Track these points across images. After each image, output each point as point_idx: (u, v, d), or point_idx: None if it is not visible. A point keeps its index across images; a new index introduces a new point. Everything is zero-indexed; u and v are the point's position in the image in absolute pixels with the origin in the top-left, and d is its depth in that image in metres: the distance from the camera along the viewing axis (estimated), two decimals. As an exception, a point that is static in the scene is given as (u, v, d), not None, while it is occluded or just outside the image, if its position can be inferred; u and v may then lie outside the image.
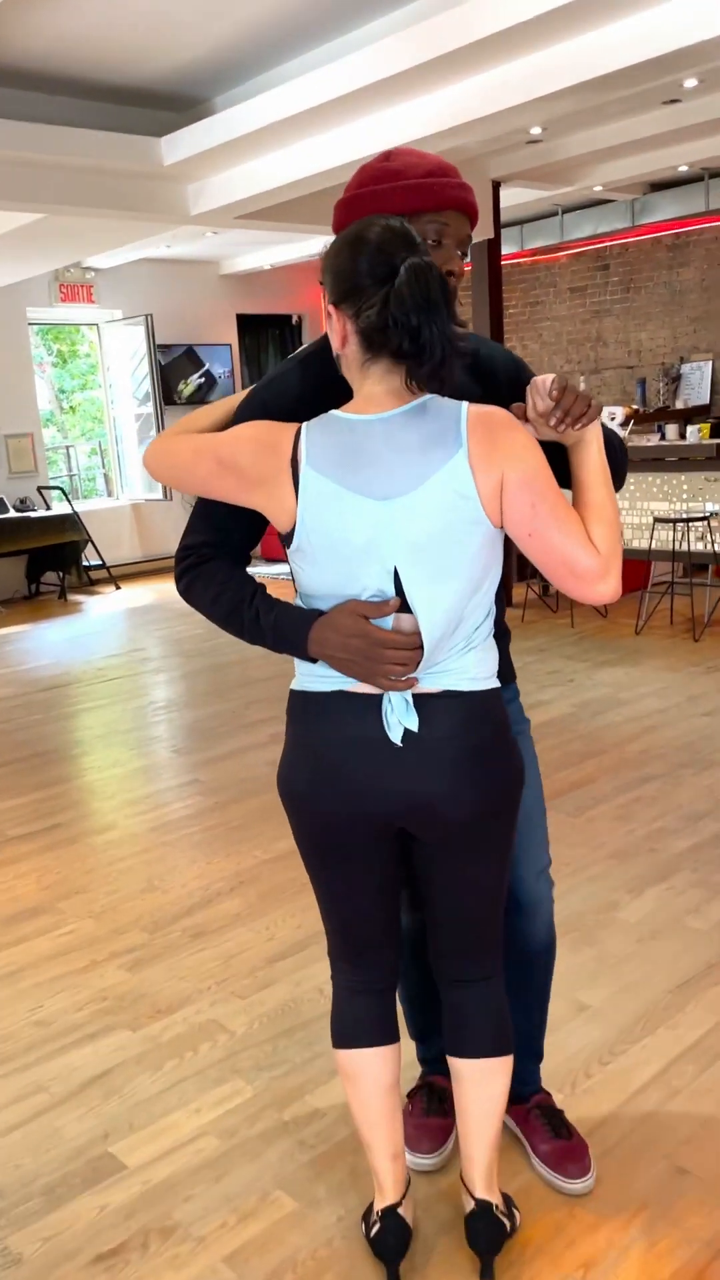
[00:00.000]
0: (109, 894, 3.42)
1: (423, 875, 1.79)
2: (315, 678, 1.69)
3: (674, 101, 6.16)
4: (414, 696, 1.65)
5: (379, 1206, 1.87)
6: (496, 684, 1.72)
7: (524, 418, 1.65)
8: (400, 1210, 1.85)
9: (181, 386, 10.55)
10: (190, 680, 6.19)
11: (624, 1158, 2.10)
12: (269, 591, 1.72)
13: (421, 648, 1.60)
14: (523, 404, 1.66)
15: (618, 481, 1.80)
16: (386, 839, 1.75)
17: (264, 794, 4.18)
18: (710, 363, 8.86)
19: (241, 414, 1.76)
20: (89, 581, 9.90)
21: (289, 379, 1.78)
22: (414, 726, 1.64)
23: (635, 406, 8.38)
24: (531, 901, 2.03)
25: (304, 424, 1.61)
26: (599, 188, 8.04)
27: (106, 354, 10.47)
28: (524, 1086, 2.16)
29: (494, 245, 7.38)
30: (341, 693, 1.66)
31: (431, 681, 1.66)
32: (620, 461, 1.83)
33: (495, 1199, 1.86)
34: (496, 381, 1.82)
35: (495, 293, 7.50)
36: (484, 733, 1.68)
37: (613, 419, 7.03)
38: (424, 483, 1.54)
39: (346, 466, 1.56)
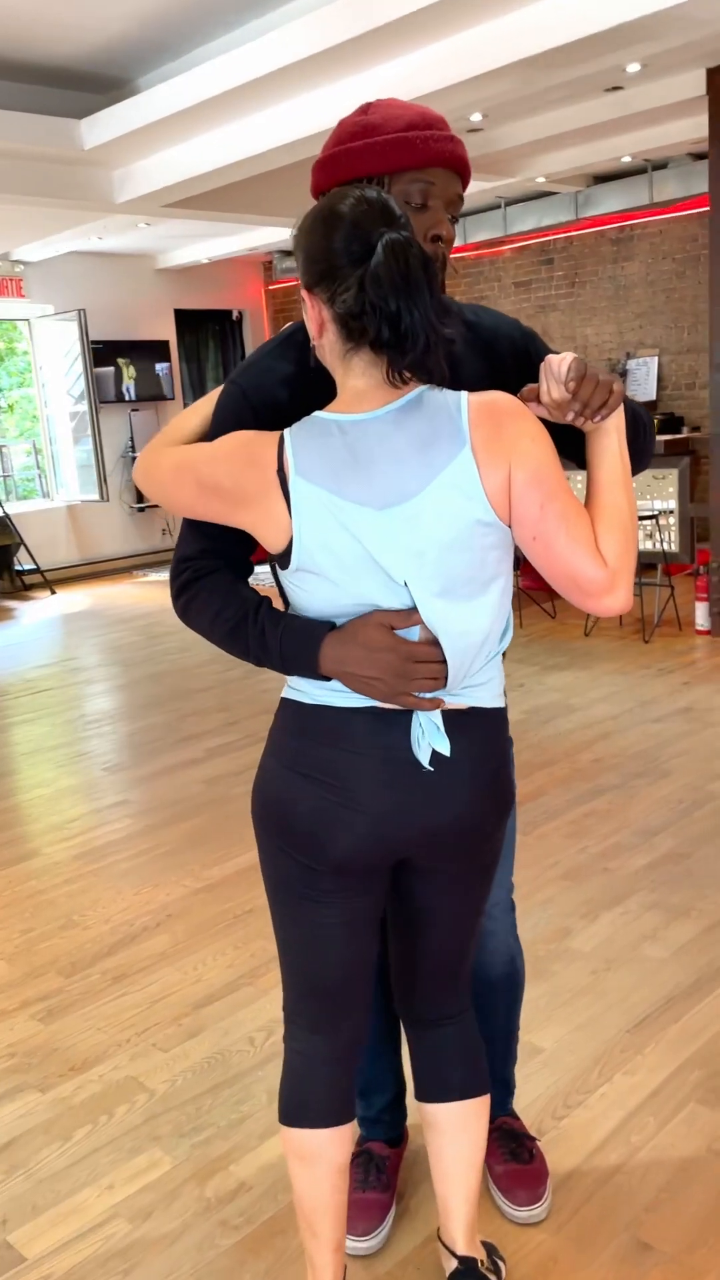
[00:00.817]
0: (24, 932, 3.15)
1: (411, 906, 1.61)
2: (331, 691, 1.48)
3: (616, 89, 6.01)
4: (442, 715, 1.47)
5: None
6: (501, 703, 1.56)
7: (535, 399, 1.46)
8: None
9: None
10: (127, 691, 5.92)
11: (581, 1231, 1.89)
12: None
13: (445, 662, 1.43)
14: (535, 385, 1.46)
15: (640, 464, 1.65)
16: (385, 873, 1.57)
17: (197, 816, 3.94)
18: (656, 358, 8.74)
19: (220, 412, 1.56)
20: (22, 586, 9.56)
21: (268, 361, 1.57)
22: (445, 750, 1.46)
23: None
24: (488, 930, 1.91)
25: (287, 430, 1.42)
26: (542, 179, 7.88)
27: (39, 350, 10.12)
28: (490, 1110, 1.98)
29: (435, 237, 7.18)
30: (370, 710, 1.46)
31: (458, 699, 1.48)
32: (643, 444, 1.64)
33: (479, 1254, 1.70)
34: (499, 355, 1.63)
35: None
36: (501, 751, 1.56)
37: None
38: (427, 487, 1.37)
39: (340, 474, 1.38)
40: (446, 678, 1.43)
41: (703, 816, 3.60)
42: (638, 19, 3.96)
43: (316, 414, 1.42)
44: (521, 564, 7.44)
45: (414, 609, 1.41)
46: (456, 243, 9.46)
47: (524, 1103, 2.22)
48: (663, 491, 6.26)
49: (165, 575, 9.50)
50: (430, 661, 1.41)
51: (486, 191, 8.37)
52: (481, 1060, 1.70)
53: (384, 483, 1.37)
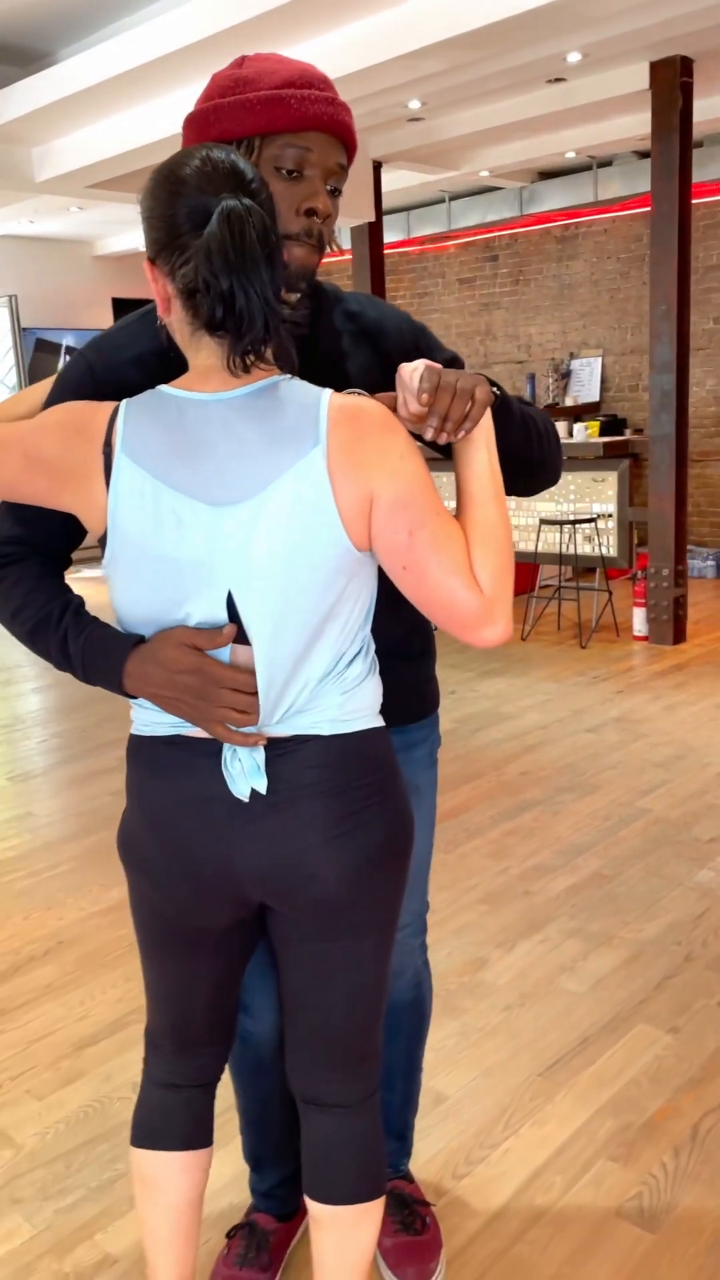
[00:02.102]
0: None
1: (281, 962, 1.44)
2: (149, 721, 1.35)
3: (559, 80, 5.86)
4: (271, 742, 1.30)
5: None
6: (374, 723, 1.35)
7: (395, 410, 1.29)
8: None
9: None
10: (43, 694, 5.67)
11: (475, 1312, 1.72)
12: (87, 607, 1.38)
13: (256, 694, 1.27)
14: (391, 395, 1.30)
15: (541, 476, 1.50)
16: (238, 920, 1.42)
17: (102, 830, 3.72)
18: (600, 359, 8.64)
19: (59, 385, 1.41)
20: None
21: (124, 337, 1.41)
22: (261, 787, 1.29)
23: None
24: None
25: (125, 401, 1.28)
26: (485, 173, 7.73)
27: (-31, 337, 9.78)
28: (397, 1162, 1.84)
29: (375, 229, 7.01)
30: (179, 737, 1.33)
31: (285, 725, 1.30)
32: (541, 453, 1.47)
33: None
34: (385, 350, 1.46)
35: (378, 281, 7.14)
36: (354, 785, 1.32)
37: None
38: (266, 488, 1.21)
39: (172, 458, 1.23)
40: (259, 710, 1.26)
41: (629, 835, 3.46)
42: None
43: (161, 387, 1.27)
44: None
45: (221, 627, 1.25)
46: (400, 237, 9.31)
47: (423, 1159, 2.04)
48: (602, 495, 6.13)
49: (97, 571, 9.22)
50: (239, 691, 1.25)
51: (430, 185, 8.22)
52: (379, 1160, 1.49)
53: (220, 476, 1.22)
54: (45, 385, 1.44)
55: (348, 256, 7.93)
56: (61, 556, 1.44)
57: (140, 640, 1.31)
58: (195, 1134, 1.53)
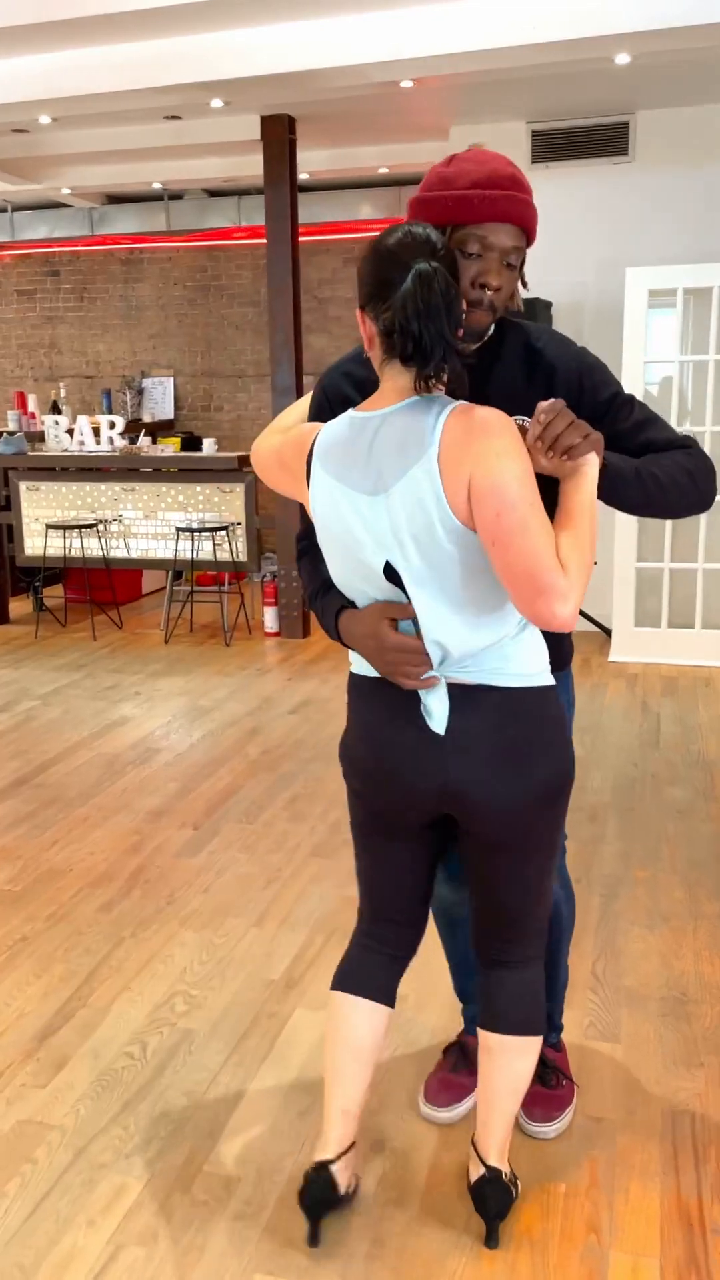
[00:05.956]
0: None
1: (462, 858, 1.84)
2: (362, 664, 1.78)
3: (175, 118, 6.26)
4: (454, 688, 1.68)
5: (316, 1158, 1.87)
6: (545, 680, 1.73)
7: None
8: (334, 1168, 1.85)
9: None
10: None
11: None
12: None
13: (425, 651, 1.66)
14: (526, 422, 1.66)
15: (685, 513, 1.79)
16: (426, 823, 1.80)
17: None
18: (172, 379, 9.11)
19: (310, 405, 1.89)
20: None
21: (346, 366, 1.84)
22: (440, 728, 1.68)
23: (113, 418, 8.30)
24: None
25: (325, 423, 1.70)
26: (67, 190, 7.84)
27: None
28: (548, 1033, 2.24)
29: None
30: (382, 678, 1.74)
31: (468, 675, 1.68)
32: (669, 500, 1.75)
33: (505, 1168, 1.89)
34: (552, 385, 1.78)
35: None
36: (523, 731, 1.70)
37: (113, 427, 6.91)
38: (398, 481, 1.57)
39: (344, 461, 1.63)
40: (430, 663, 1.65)
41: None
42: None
43: (351, 410, 1.67)
44: (67, 575, 7.36)
45: (408, 603, 1.64)
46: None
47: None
48: (232, 505, 6.64)
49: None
50: (406, 651, 1.65)
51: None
52: (539, 1007, 1.86)
53: (372, 472, 1.60)
54: (306, 400, 1.91)
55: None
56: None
57: (344, 607, 1.74)
58: (377, 990, 1.89)
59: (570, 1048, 2.41)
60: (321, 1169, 1.85)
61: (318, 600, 1.81)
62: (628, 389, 5.66)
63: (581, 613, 6.35)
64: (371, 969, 1.90)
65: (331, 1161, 1.85)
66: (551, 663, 1.87)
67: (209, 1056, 2.41)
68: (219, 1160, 2.09)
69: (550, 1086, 2.19)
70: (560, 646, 1.91)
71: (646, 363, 5.74)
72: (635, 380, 5.70)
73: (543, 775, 1.71)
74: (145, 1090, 2.29)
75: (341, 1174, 1.86)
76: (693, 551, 5.91)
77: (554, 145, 6.18)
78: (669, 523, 5.87)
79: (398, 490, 1.57)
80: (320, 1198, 1.84)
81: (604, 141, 6.10)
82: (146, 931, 2.97)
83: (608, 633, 6.19)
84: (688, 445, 1.80)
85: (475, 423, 1.54)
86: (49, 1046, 2.45)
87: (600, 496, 1.69)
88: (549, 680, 1.74)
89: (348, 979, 1.89)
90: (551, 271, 6.20)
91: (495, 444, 1.53)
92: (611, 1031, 2.48)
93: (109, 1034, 2.49)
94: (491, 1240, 1.85)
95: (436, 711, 1.69)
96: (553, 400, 1.62)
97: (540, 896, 1.83)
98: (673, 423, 5.68)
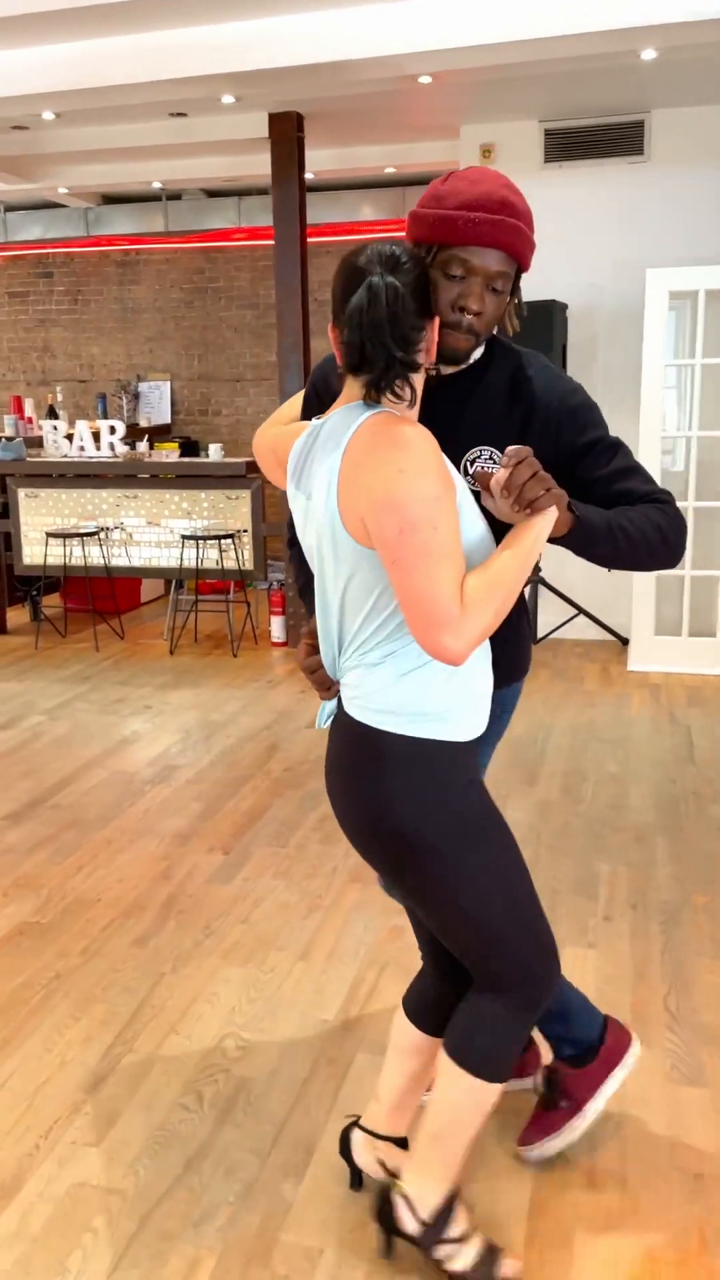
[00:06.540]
0: None
1: None
2: None
3: (181, 115, 6.11)
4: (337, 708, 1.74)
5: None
6: (380, 724, 1.62)
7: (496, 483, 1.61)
8: (354, 1134, 1.96)
9: None
10: None
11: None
12: None
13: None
14: (488, 470, 1.65)
15: (655, 567, 1.76)
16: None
17: None
18: (168, 383, 8.93)
19: (304, 398, 1.93)
20: None
21: (333, 363, 1.76)
22: (318, 724, 1.81)
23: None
24: None
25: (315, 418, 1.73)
26: (64, 190, 7.66)
27: None
28: (559, 1045, 2.10)
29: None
30: None
31: (344, 692, 1.71)
32: (639, 556, 1.72)
33: (411, 1190, 1.78)
34: (529, 419, 1.76)
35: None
36: (349, 765, 1.68)
37: (114, 432, 6.71)
38: (319, 483, 1.60)
39: (297, 465, 1.69)
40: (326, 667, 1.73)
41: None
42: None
43: (314, 419, 1.70)
44: (65, 584, 7.16)
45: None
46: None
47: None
48: (238, 512, 6.47)
49: None
50: (311, 671, 1.75)
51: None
52: (474, 1035, 1.71)
53: (309, 475, 1.64)
54: (301, 394, 1.95)
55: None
56: None
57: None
58: (413, 1008, 1.90)
59: (656, 1094, 2.27)
60: (350, 1127, 1.99)
61: (305, 595, 1.89)
62: (646, 394, 5.56)
63: (596, 620, 6.23)
64: (416, 989, 1.93)
65: (356, 1120, 1.98)
66: (507, 674, 1.88)
67: (271, 1106, 2.24)
68: (297, 1227, 1.92)
69: (550, 1108, 2.05)
70: (519, 656, 1.93)
71: (667, 365, 5.62)
72: (654, 385, 5.58)
73: (353, 820, 1.68)
74: (207, 1147, 2.13)
75: (359, 1149, 1.96)
76: (713, 559, 5.79)
77: (567, 145, 6.06)
78: (689, 529, 5.75)
79: (316, 494, 1.60)
80: (343, 1147, 1.99)
81: (619, 141, 5.98)
82: (187, 967, 2.80)
83: (624, 641, 6.06)
84: (663, 500, 1.77)
85: (388, 433, 1.50)
86: (97, 1099, 2.28)
87: (570, 547, 1.68)
88: (402, 728, 1.61)
89: (406, 1004, 1.94)
90: (566, 273, 6.08)
91: (400, 458, 1.47)
92: (697, 1074, 2.33)
93: (160, 1083, 2.32)
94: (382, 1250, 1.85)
95: (322, 712, 1.78)
96: (518, 448, 1.57)
97: (477, 944, 1.68)
98: (689, 429, 5.57)
